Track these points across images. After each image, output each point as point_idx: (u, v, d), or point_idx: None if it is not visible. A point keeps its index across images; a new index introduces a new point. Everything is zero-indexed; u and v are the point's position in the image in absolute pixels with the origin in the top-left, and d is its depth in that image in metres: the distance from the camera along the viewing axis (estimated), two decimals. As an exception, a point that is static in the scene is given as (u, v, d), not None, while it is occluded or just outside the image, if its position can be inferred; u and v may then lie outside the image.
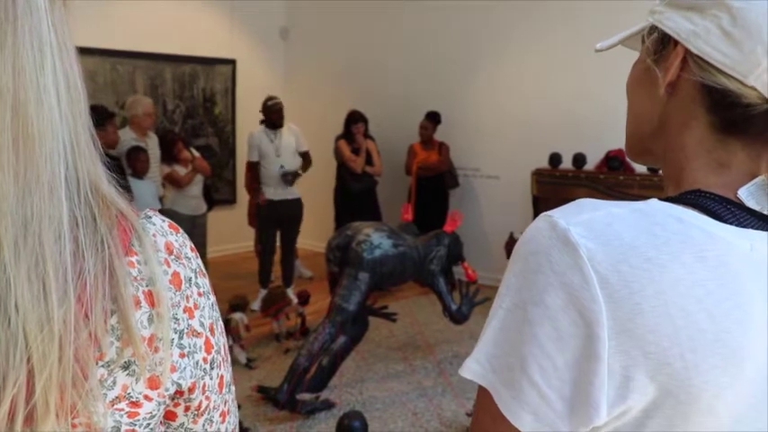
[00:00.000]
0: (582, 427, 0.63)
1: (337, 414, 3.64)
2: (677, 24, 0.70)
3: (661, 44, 0.73)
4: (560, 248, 0.62)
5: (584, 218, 0.63)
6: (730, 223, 0.65)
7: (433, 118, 6.69)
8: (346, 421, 3.15)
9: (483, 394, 0.67)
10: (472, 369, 0.67)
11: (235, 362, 4.63)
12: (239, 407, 3.88)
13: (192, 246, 0.75)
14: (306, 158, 6.06)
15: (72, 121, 0.64)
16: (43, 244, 0.60)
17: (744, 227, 0.65)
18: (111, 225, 0.65)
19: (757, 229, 0.65)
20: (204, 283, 0.74)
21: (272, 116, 5.82)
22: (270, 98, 5.92)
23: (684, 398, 0.61)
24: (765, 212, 0.67)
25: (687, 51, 0.69)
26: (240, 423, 4.05)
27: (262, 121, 5.95)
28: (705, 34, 0.67)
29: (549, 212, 0.65)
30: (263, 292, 5.85)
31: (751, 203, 0.67)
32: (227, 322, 4.66)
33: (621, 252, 0.61)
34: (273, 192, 5.86)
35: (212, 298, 0.76)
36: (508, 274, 0.67)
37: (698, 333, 0.60)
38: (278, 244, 6.13)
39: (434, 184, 6.71)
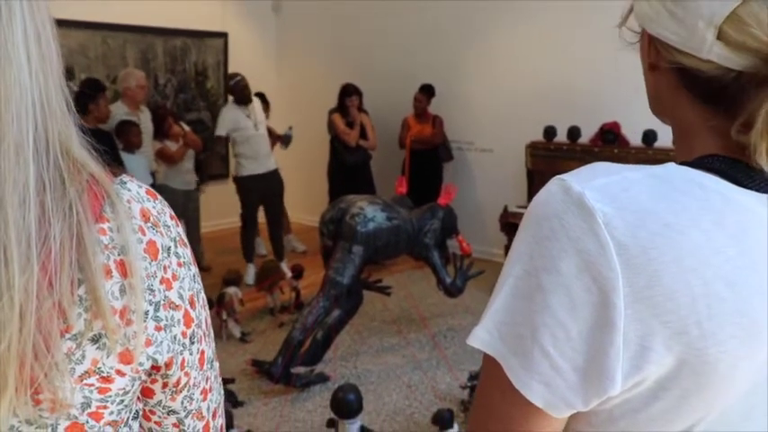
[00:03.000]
0: (595, 398, 0.61)
1: (332, 387, 3.64)
2: (639, 8, 0.71)
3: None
4: (575, 213, 0.60)
5: (599, 182, 0.61)
6: (749, 188, 0.63)
7: (427, 91, 6.63)
8: (341, 394, 3.15)
9: (491, 364, 0.64)
10: (481, 338, 0.65)
11: (229, 336, 4.65)
12: (233, 380, 3.89)
13: (173, 213, 0.71)
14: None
15: (43, 80, 0.61)
16: (5, 207, 0.56)
17: (764, 192, 0.63)
18: (81, 190, 0.61)
19: None
20: (185, 252, 0.70)
21: (241, 93, 5.77)
22: (231, 76, 5.90)
23: (701, 368, 0.59)
24: None
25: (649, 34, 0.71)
26: (235, 396, 4.05)
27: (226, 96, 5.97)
28: (656, 16, 0.68)
29: (561, 176, 0.63)
30: (251, 267, 5.86)
31: None
32: (221, 296, 4.66)
33: (639, 217, 0.58)
34: (255, 166, 5.83)
35: (194, 269, 0.72)
36: (518, 241, 0.65)
37: (717, 301, 0.58)
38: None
39: (428, 158, 6.68)
